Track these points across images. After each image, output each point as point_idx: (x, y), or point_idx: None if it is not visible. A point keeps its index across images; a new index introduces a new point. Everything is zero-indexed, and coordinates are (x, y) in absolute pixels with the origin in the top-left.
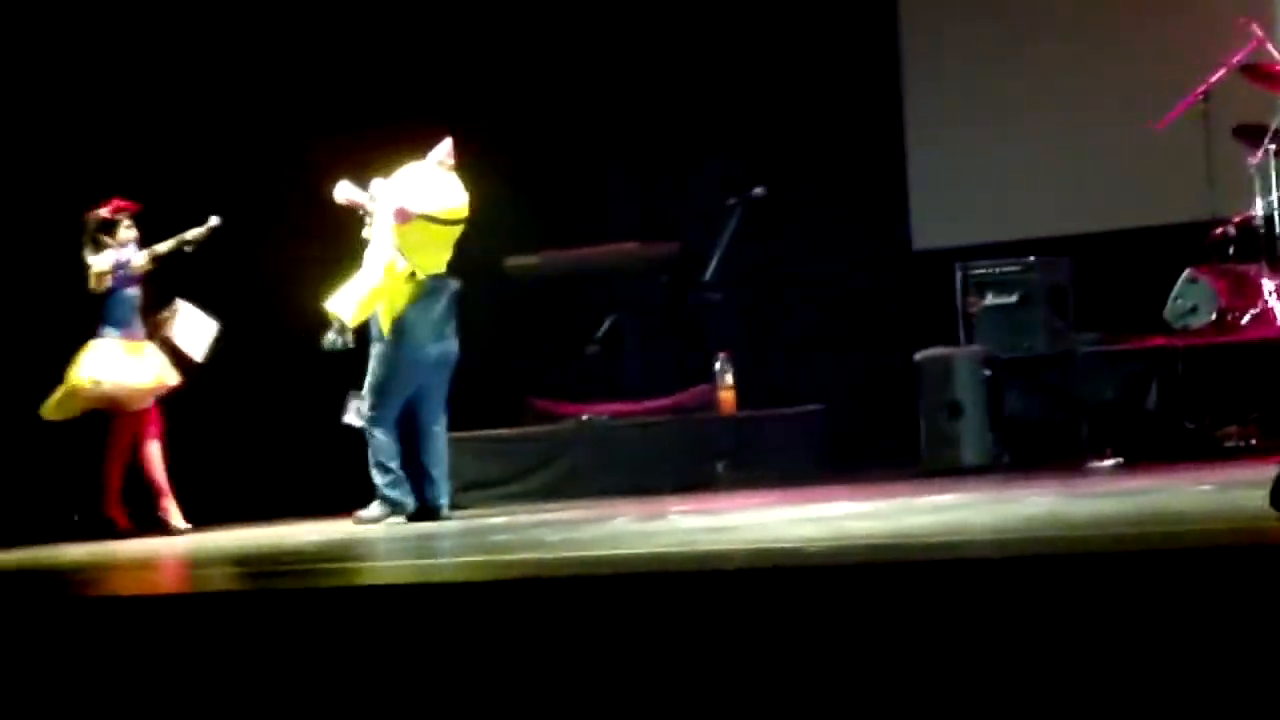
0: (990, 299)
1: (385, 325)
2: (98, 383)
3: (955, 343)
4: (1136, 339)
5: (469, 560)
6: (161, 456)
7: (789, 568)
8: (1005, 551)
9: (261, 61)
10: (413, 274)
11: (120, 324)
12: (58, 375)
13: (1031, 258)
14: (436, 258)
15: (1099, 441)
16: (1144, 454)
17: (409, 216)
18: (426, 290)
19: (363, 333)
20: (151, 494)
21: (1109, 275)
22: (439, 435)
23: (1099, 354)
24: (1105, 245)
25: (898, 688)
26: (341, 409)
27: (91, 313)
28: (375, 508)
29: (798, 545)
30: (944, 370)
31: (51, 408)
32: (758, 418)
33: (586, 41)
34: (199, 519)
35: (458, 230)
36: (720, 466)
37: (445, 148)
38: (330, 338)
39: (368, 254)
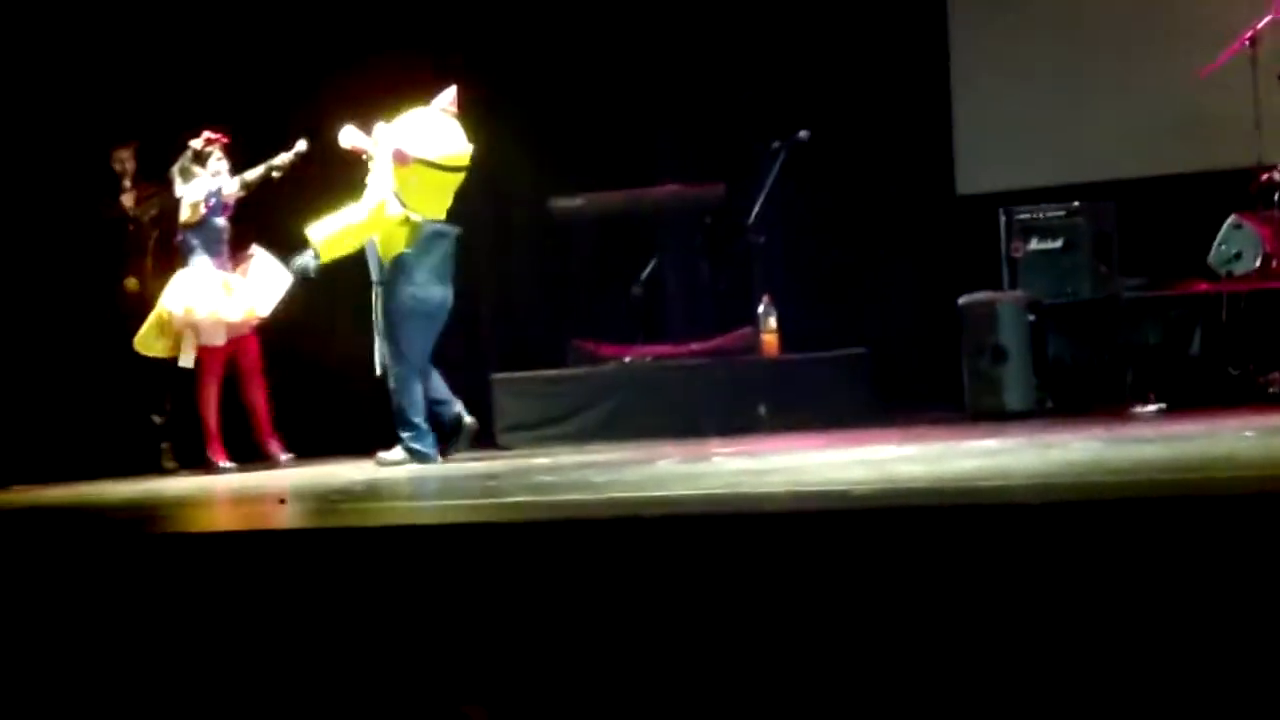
0: (1035, 244)
1: (384, 268)
2: (190, 310)
3: (999, 287)
4: (1181, 285)
5: (515, 501)
6: (263, 388)
7: (834, 510)
8: (1048, 496)
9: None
10: (407, 218)
11: (212, 254)
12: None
13: (1076, 203)
14: (434, 203)
15: (1142, 387)
16: (1187, 400)
17: (407, 160)
18: (424, 235)
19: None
20: (253, 425)
21: (1154, 221)
22: (431, 371)
23: (1143, 299)
24: (1150, 190)
25: (940, 631)
26: (370, 360)
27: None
28: (398, 452)
29: (842, 488)
30: (988, 315)
31: (145, 341)
32: (801, 361)
33: None
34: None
35: (458, 178)
36: (763, 409)
37: (449, 95)
38: (299, 261)
39: (363, 197)
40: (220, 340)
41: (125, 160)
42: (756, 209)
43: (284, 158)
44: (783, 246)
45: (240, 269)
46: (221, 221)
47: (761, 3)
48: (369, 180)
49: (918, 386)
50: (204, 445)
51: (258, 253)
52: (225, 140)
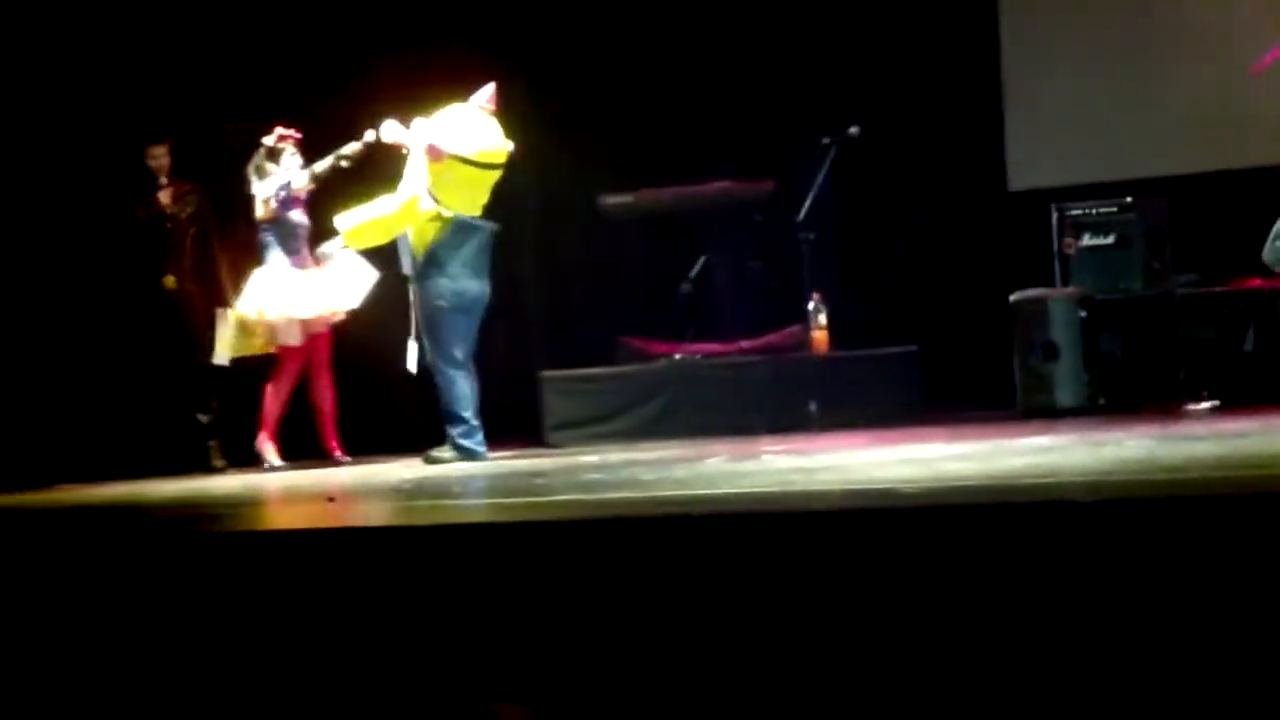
0: (1087, 240)
1: (416, 262)
2: (261, 311)
3: (1051, 284)
4: (1234, 281)
5: (563, 499)
6: (330, 388)
7: (884, 509)
8: (1100, 494)
9: None
10: (439, 213)
11: (289, 251)
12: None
13: (1129, 199)
14: (468, 199)
15: (1195, 384)
16: (1240, 397)
17: (441, 155)
18: (456, 229)
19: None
20: (317, 424)
21: (1207, 217)
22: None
23: (1196, 296)
24: (1203, 186)
25: (992, 629)
26: (402, 356)
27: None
28: (446, 450)
29: (892, 486)
30: (1039, 312)
31: (227, 347)
32: (851, 358)
33: None
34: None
35: (493, 175)
36: (813, 407)
37: (488, 91)
38: (325, 248)
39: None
40: (295, 339)
41: (160, 158)
42: (806, 206)
43: (353, 147)
44: (833, 243)
45: (322, 265)
46: (297, 216)
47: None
48: (404, 174)
49: (968, 384)
50: (255, 438)
51: (339, 248)
52: (298, 137)
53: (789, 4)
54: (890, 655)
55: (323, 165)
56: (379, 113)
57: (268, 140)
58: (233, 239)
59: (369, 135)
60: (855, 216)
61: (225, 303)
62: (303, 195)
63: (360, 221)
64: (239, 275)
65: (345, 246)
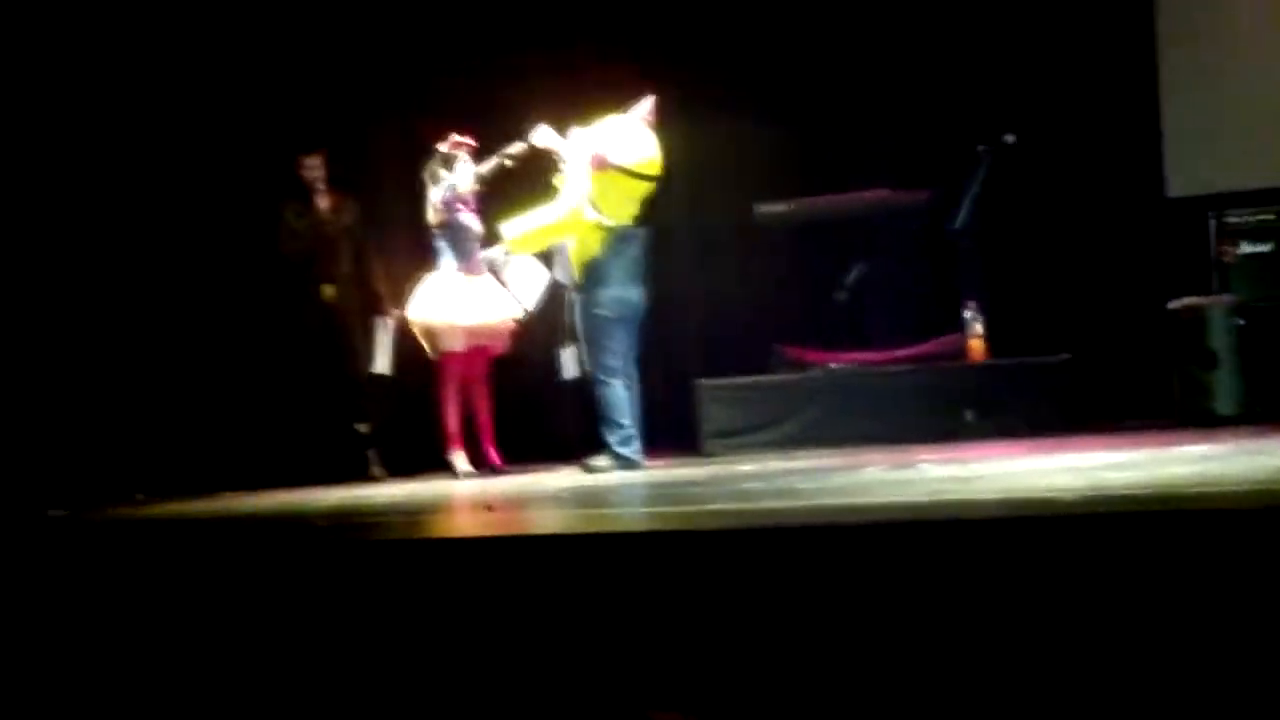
0: (1245, 247)
1: (577, 272)
2: (426, 316)
3: (1209, 292)
4: None
5: (720, 508)
6: (488, 395)
7: (1042, 517)
8: (1259, 502)
9: None
10: (600, 222)
11: (461, 256)
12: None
13: None
14: (627, 209)
15: None
16: None
17: (606, 166)
18: (617, 238)
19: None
20: (475, 432)
21: None
22: (630, 384)
23: None
24: None
25: (1155, 636)
26: (555, 365)
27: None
28: (604, 459)
29: (1051, 494)
30: (1197, 320)
31: (388, 356)
32: (1007, 366)
33: None
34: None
35: (650, 186)
36: (969, 415)
37: (647, 104)
38: (489, 254)
39: (558, 198)
40: (458, 345)
41: (314, 168)
42: (962, 213)
43: (517, 147)
44: (989, 251)
45: (494, 272)
46: (467, 220)
47: (969, 7)
48: (560, 183)
49: (1125, 392)
50: (443, 448)
51: (503, 254)
52: (473, 145)
53: (944, 12)
54: (1057, 663)
55: (487, 166)
56: (535, 119)
57: (441, 147)
58: (390, 248)
59: (534, 134)
60: (1012, 224)
61: (383, 311)
62: (470, 198)
63: (526, 229)
64: (398, 284)
65: (509, 253)
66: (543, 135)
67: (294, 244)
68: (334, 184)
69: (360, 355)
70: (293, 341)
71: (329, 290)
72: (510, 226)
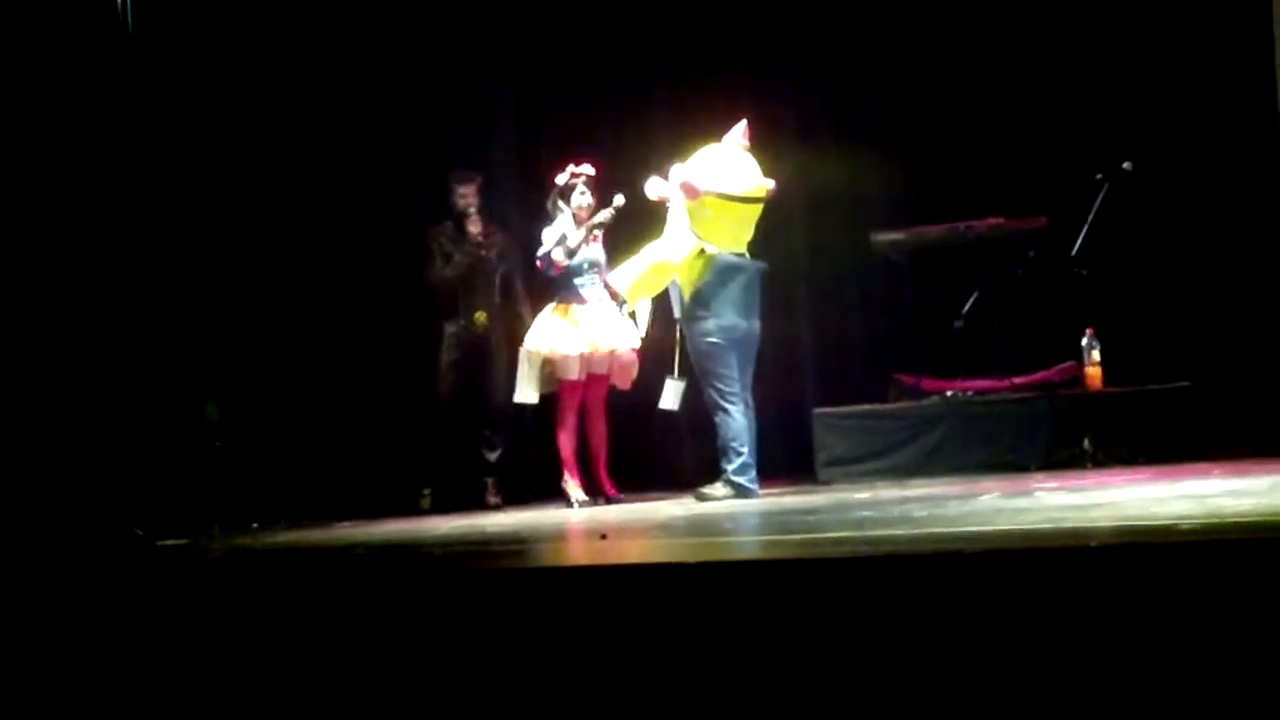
0: None
1: (684, 303)
2: (537, 348)
3: None
4: None
5: (836, 535)
6: (604, 424)
7: (1159, 545)
8: None
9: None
10: (702, 251)
11: (564, 290)
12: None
13: None
14: (731, 236)
15: None
16: None
17: (696, 193)
18: (721, 267)
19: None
20: (590, 462)
21: None
22: (746, 412)
23: None
24: None
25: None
26: (659, 394)
27: None
28: (719, 487)
29: (1169, 522)
30: None
31: (533, 385)
32: (1125, 395)
33: (954, 18)
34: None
35: (754, 210)
36: (1087, 444)
37: (740, 129)
38: (626, 307)
39: (662, 237)
40: (573, 374)
41: (468, 196)
42: (1080, 241)
43: (605, 214)
44: (1106, 279)
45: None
46: (580, 258)
47: (1083, 32)
48: (668, 221)
49: (1245, 420)
50: (559, 476)
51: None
52: (590, 173)
53: (1062, 38)
54: (1175, 689)
55: (575, 239)
56: (649, 145)
57: (559, 178)
58: (536, 280)
59: (618, 200)
60: (1129, 251)
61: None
62: (566, 263)
63: (637, 276)
64: (510, 311)
65: (624, 304)
66: (654, 186)
67: (445, 272)
68: (486, 213)
69: (501, 385)
70: (431, 369)
71: (482, 317)
72: (620, 278)
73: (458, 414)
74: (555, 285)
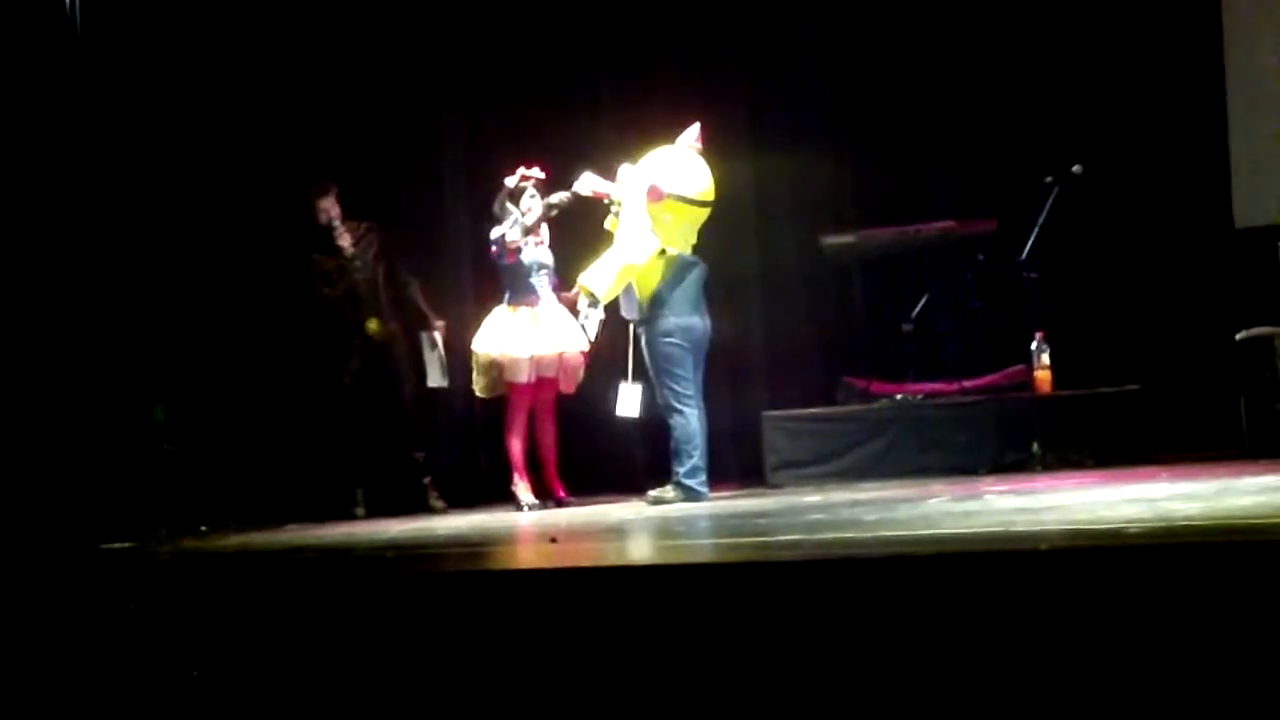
0: None
1: (641, 304)
2: (487, 349)
3: (1277, 322)
4: None
5: (786, 539)
6: (553, 427)
7: (1109, 548)
8: None
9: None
10: (663, 251)
11: (514, 292)
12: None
13: None
14: (684, 238)
15: None
16: None
17: (662, 196)
18: (677, 267)
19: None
20: (541, 465)
21: None
22: (701, 414)
23: None
24: None
25: (1220, 666)
26: (613, 401)
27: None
28: (670, 490)
29: (1118, 526)
30: (1266, 350)
31: (478, 385)
32: (1074, 398)
33: (903, 23)
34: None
35: (705, 212)
36: (1036, 447)
37: (694, 132)
38: (583, 312)
39: (618, 236)
40: (522, 377)
41: (329, 209)
42: (1029, 245)
43: (560, 196)
44: (1056, 282)
45: (567, 303)
46: (530, 257)
47: (1032, 36)
48: (609, 226)
49: (1193, 423)
50: (508, 480)
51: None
52: (540, 177)
53: (1011, 42)
54: (1122, 693)
55: (533, 217)
56: (600, 148)
57: (509, 181)
58: (419, 266)
59: (576, 185)
60: (1078, 255)
61: (427, 327)
62: (521, 244)
63: (609, 277)
64: (400, 310)
65: (596, 304)
66: (587, 182)
67: (328, 291)
68: (350, 216)
69: (411, 380)
70: (346, 379)
71: (373, 325)
72: (591, 277)
73: (374, 421)
74: (505, 285)
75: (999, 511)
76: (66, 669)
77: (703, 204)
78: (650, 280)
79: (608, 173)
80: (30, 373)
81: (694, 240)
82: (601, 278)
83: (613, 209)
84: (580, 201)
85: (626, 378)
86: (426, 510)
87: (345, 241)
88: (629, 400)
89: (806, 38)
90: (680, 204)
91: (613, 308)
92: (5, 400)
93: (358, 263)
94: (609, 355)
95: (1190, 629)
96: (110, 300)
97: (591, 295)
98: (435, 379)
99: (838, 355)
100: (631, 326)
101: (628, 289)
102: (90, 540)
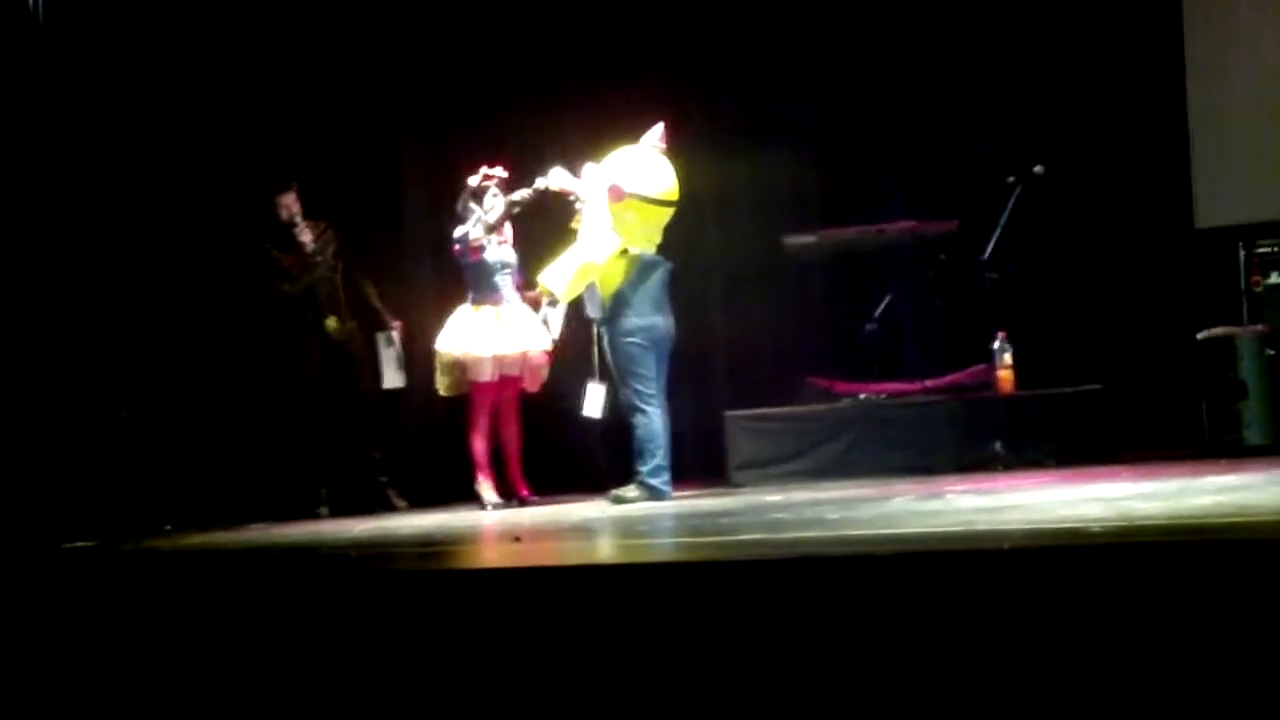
0: (1275, 277)
1: (604, 303)
2: (450, 348)
3: (1238, 322)
4: None
5: (748, 538)
6: (517, 426)
7: (1070, 547)
8: None
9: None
10: (625, 251)
11: (478, 291)
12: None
13: None
14: (647, 238)
15: None
16: None
17: (623, 195)
18: (640, 267)
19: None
20: (505, 464)
21: None
22: (663, 413)
23: None
24: None
25: (1180, 665)
26: (579, 402)
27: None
28: (633, 489)
29: (1079, 525)
30: (1227, 350)
31: (441, 385)
32: (1036, 397)
33: (866, 23)
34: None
35: (669, 212)
36: (998, 446)
37: (658, 131)
38: (543, 310)
39: (580, 235)
40: (486, 376)
41: (290, 205)
42: (991, 245)
43: (523, 193)
44: (1018, 282)
45: (533, 307)
46: (494, 256)
47: (993, 36)
48: (578, 223)
49: (1154, 423)
50: (471, 479)
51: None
52: (503, 176)
53: (975, 44)
54: (1083, 692)
55: (496, 214)
56: (563, 147)
57: (471, 180)
58: (377, 265)
59: (540, 181)
60: (1040, 255)
61: (383, 327)
62: (485, 242)
63: (569, 276)
64: (358, 308)
65: (555, 303)
66: (557, 177)
67: (288, 288)
68: (310, 215)
69: (370, 379)
70: (305, 376)
71: (332, 323)
72: (550, 276)
73: (333, 419)
74: (469, 285)
75: (961, 511)
76: (27, 669)
77: (665, 203)
78: (613, 280)
79: (573, 172)
80: None
81: (658, 239)
82: (560, 276)
83: (578, 206)
84: (544, 199)
85: (592, 377)
86: (390, 509)
87: (306, 237)
88: (595, 400)
89: (769, 37)
90: (642, 203)
91: (578, 306)
92: None
93: (318, 258)
94: (573, 354)
95: (1150, 628)
96: (72, 298)
97: (551, 294)
98: (391, 380)
99: (800, 355)
100: (595, 326)
101: (590, 288)
102: (52, 539)
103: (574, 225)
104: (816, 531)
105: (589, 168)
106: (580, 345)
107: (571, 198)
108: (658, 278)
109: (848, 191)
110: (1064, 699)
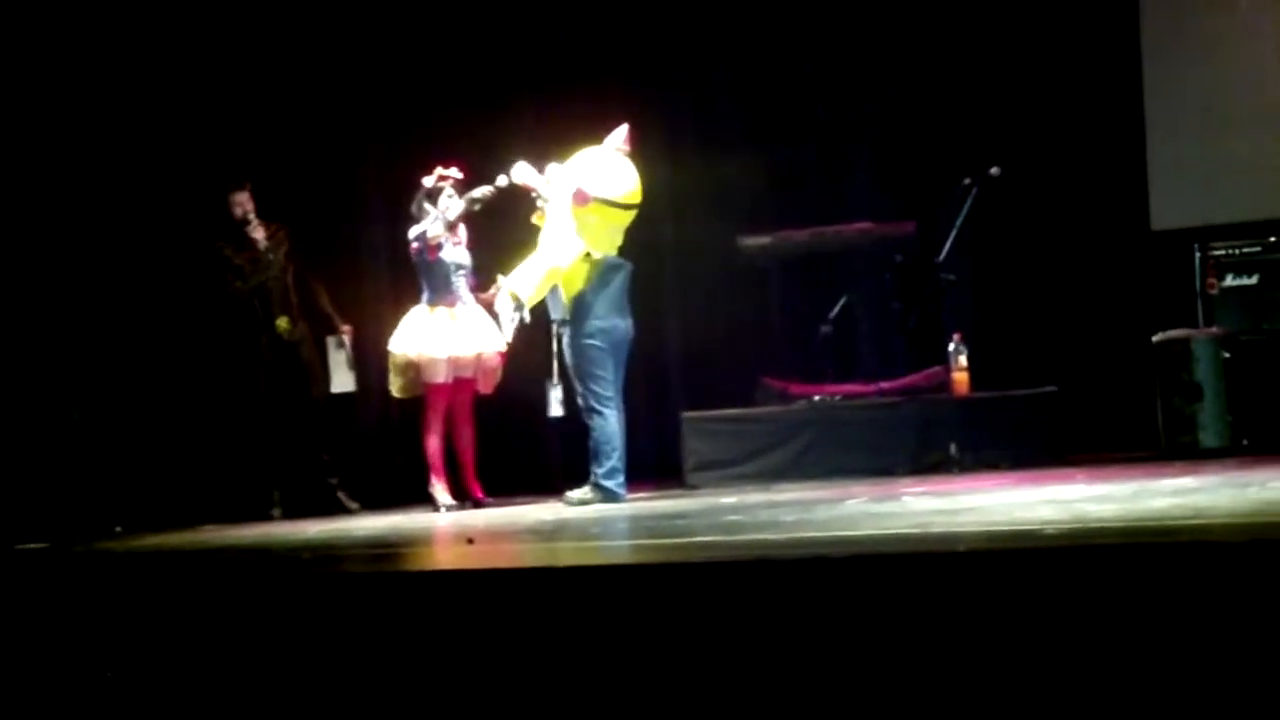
0: (1230, 280)
1: (566, 306)
2: (404, 350)
3: (1194, 324)
4: None
5: (703, 540)
6: (471, 428)
7: (1026, 550)
8: (1245, 535)
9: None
10: (588, 255)
11: (433, 291)
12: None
13: (1273, 238)
14: (610, 241)
15: None
16: None
17: (588, 199)
18: (602, 270)
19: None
20: (458, 466)
21: None
22: (620, 415)
23: None
24: None
25: (1135, 669)
26: (543, 403)
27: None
28: (588, 491)
29: (1034, 527)
30: (1183, 352)
31: (394, 386)
32: (992, 399)
33: (822, 25)
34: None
35: (632, 215)
36: (954, 448)
37: (622, 133)
38: (505, 314)
39: (542, 237)
40: (440, 377)
41: (244, 203)
42: (947, 247)
43: (483, 190)
44: (974, 284)
45: (487, 305)
46: (449, 256)
47: (951, 39)
48: (544, 220)
49: (1110, 425)
50: (425, 480)
51: (504, 283)
52: (458, 177)
53: (930, 45)
54: (1038, 695)
55: (455, 211)
56: (519, 150)
57: (426, 181)
58: (329, 268)
59: (500, 179)
60: (996, 257)
61: (334, 330)
62: (443, 241)
63: (534, 281)
64: (308, 309)
65: (520, 308)
66: (521, 172)
67: (239, 285)
68: (263, 215)
69: (320, 381)
70: (256, 377)
71: (283, 323)
72: (515, 281)
73: (285, 421)
74: (424, 285)
75: (917, 513)
76: None
77: (628, 207)
78: (575, 283)
79: (538, 170)
80: None
81: (620, 242)
82: (526, 282)
83: (540, 204)
84: (504, 197)
85: (551, 379)
86: (342, 511)
87: (259, 234)
88: (557, 401)
89: (724, 38)
90: (606, 207)
91: (535, 308)
92: None
93: (270, 256)
94: (527, 356)
95: (1105, 630)
96: (22, 299)
97: (517, 299)
98: (342, 383)
99: (756, 356)
100: (554, 327)
101: (554, 290)
102: (4, 541)
103: (535, 221)
104: (772, 534)
105: (553, 168)
106: (536, 346)
107: (534, 194)
108: (619, 281)
109: (803, 192)
110: (1020, 700)
